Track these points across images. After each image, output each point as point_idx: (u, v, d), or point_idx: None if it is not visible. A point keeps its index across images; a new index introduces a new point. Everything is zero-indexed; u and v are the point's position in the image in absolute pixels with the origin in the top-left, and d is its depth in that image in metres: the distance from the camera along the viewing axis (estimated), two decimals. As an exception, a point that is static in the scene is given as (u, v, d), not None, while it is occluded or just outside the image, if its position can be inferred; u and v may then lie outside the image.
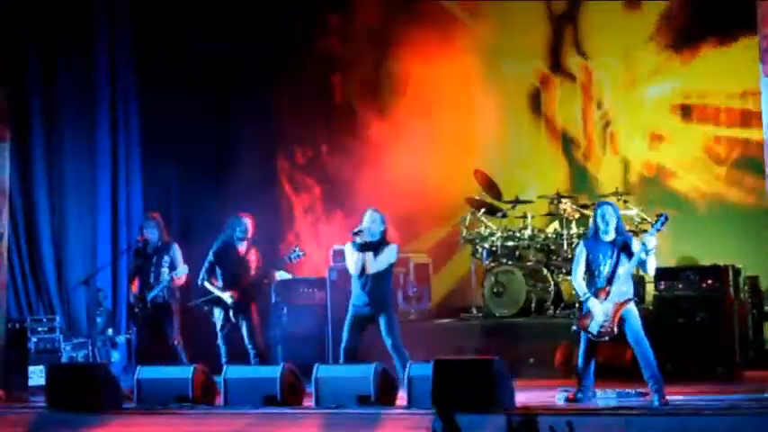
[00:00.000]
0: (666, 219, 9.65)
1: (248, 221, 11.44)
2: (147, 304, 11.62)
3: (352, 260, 10.41)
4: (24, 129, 13.71)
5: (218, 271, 11.39)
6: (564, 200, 13.52)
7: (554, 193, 13.73)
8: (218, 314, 11.37)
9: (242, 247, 11.41)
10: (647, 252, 9.50)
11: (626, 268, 9.56)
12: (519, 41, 15.13)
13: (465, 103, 14.99)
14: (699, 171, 14.18)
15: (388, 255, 10.37)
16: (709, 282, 11.68)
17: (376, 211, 10.47)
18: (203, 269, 11.45)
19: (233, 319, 11.25)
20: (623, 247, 9.62)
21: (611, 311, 9.52)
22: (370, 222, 10.39)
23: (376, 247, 10.39)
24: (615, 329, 9.50)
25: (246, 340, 11.23)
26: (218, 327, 11.35)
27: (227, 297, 11.22)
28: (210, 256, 11.44)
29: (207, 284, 11.40)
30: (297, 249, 11.42)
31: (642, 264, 9.63)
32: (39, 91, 14.06)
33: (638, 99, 14.60)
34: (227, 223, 11.55)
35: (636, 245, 9.63)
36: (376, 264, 10.31)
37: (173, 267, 11.63)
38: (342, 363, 10.35)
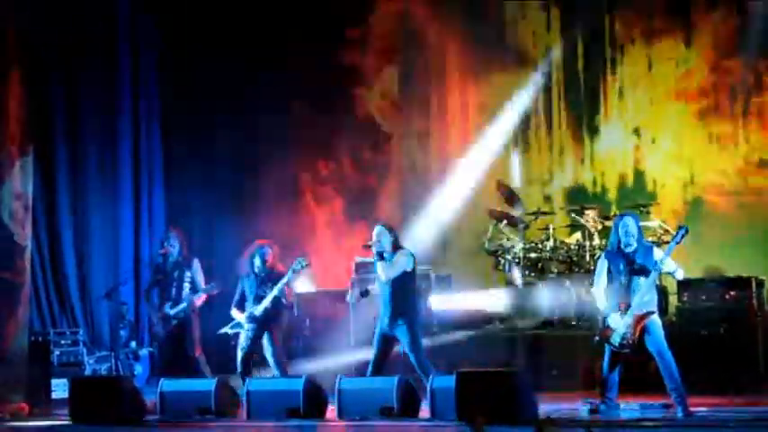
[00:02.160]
0: (686, 231, 9.59)
1: (267, 250, 11.22)
2: (170, 319, 11.64)
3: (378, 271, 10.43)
4: (48, 144, 13.79)
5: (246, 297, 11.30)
6: (587, 211, 13.48)
7: (576, 205, 13.72)
8: (243, 337, 11.21)
9: (263, 274, 11.20)
10: (672, 274, 9.53)
11: (648, 279, 9.51)
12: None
13: (487, 114, 15.01)
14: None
15: (400, 261, 10.33)
16: (733, 293, 11.64)
17: (381, 224, 10.49)
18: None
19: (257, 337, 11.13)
20: (645, 259, 9.58)
21: (633, 323, 9.47)
22: (376, 236, 10.41)
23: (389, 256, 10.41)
24: (637, 341, 9.45)
25: (270, 353, 11.12)
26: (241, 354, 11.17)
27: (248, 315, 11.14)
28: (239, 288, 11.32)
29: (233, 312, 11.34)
30: (301, 260, 11.06)
31: (670, 273, 9.64)
32: (61, 106, 14.15)
33: (663, 109, 14.58)
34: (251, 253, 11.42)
35: (657, 254, 9.59)
36: (388, 271, 10.29)
37: (194, 284, 11.63)
38: (367, 375, 10.31)
